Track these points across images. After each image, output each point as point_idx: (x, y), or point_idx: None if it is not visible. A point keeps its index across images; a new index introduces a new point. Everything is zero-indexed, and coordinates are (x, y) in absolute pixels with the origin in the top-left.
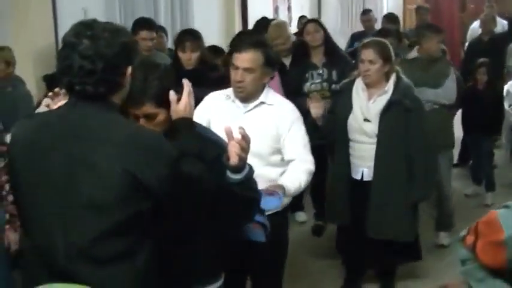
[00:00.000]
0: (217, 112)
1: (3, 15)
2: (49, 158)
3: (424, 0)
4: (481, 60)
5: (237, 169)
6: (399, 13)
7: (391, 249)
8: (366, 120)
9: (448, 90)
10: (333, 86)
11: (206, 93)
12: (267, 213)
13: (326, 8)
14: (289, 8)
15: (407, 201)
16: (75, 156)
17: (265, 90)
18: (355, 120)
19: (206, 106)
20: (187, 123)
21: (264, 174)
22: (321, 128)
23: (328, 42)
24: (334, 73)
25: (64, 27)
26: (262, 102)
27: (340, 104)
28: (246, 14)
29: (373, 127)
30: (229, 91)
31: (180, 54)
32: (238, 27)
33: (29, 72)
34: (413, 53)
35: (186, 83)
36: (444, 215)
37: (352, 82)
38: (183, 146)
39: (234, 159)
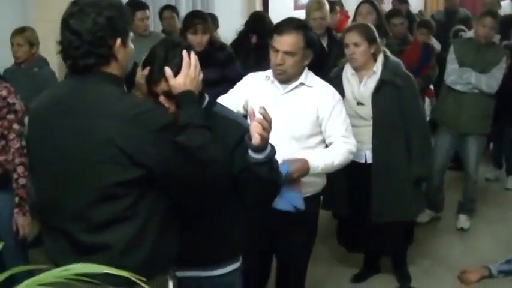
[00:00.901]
0: (256, 92)
1: (25, 2)
2: (46, 128)
3: None
4: (505, 42)
5: (259, 149)
6: None
7: (393, 232)
8: (359, 104)
9: (491, 79)
10: None
11: (215, 73)
12: None
13: None
14: None
15: (407, 180)
16: (65, 127)
17: (305, 71)
18: (348, 106)
19: (245, 85)
20: (188, 95)
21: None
22: None
23: (379, 27)
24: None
25: None
26: (301, 84)
27: None
28: (267, 3)
29: (367, 110)
30: (268, 72)
31: (191, 37)
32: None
33: (51, 52)
34: (470, 33)
35: (185, 54)
36: (467, 199)
37: (341, 70)
38: (186, 119)
39: (256, 139)
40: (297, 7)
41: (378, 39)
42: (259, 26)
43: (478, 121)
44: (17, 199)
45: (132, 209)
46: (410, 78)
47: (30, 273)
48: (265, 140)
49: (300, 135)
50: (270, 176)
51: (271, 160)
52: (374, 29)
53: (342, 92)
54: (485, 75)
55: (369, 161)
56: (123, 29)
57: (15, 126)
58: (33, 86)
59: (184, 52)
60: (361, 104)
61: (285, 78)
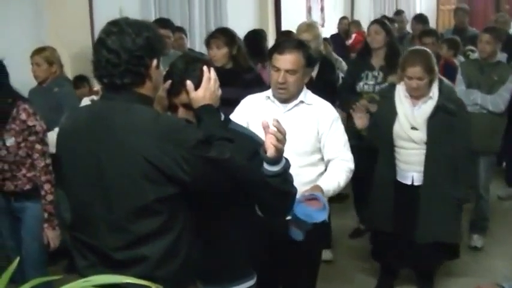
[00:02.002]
0: (257, 113)
1: (41, 15)
2: (83, 144)
3: (458, 1)
4: None
5: (275, 161)
6: (432, 14)
7: (433, 249)
8: (412, 128)
9: (497, 99)
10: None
11: (240, 94)
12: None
13: (359, 9)
14: (322, 9)
15: (453, 202)
16: (102, 143)
17: (304, 90)
18: (401, 129)
19: (244, 108)
20: (208, 108)
21: (304, 174)
22: (366, 138)
23: (390, 46)
24: (389, 79)
25: (100, 27)
26: (301, 102)
27: (383, 112)
28: (280, 14)
29: (420, 135)
30: (268, 92)
31: (208, 52)
32: (271, 28)
33: (67, 71)
34: (476, 54)
35: (205, 69)
36: (479, 218)
37: (393, 88)
38: (207, 131)
39: (271, 151)
40: None
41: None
42: (257, 49)
43: (487, 140)
44: (46, 215)
45: (168, 223)
46: (463, 104)
47: (47, 286)
48: (280, 152)
49: (302, 151)
50: (285, 187)
51: (286, 172)
52: (433, 57)
53: (393, 111)
54: (491, 95)
55: (416, 183)
56: (159, 50)
57: (38, 146)
58: (53, 105)
59: (205, 67)
60: (415, 128)
61: (287, 96)
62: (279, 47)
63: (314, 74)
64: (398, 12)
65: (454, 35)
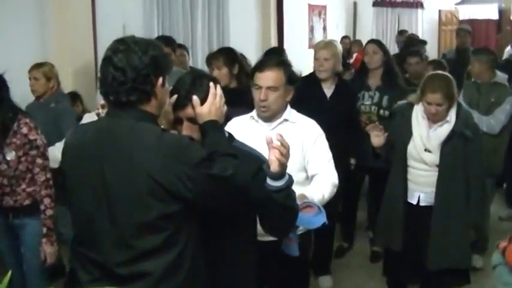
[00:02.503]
0: (242, 134)
1: (45, 32)
2: (89, 160)
3: (460, 22)
4: None
5: (278, 176)
6: (434, 34)
7: (444, 273)
8: (426, 150)
9: (492, 120)
10: (381, 111)
11: (244, 113)
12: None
13: (361, 29)
14: (324, 28)
15: (465, 227)
16: (108, 160)
17: (288, 108)
18: (415, 149)
19: (230, 130)
20: (213, 124)
21: None
22: (382, 157)
23: (387, 66)
24: (385, 98)
25: (103, 44)
26: (285, 120)
27: (399, 131)
28: (282, 33)
29: (433, 157)
30: (252, 112)
31: (210, 72)
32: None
33: (69, 86)
34: None
35: (212, 86)
36: (480, 238)
37: (410, 107)
38: (212, 146)
39: (274, 165)
40: (311, 45)
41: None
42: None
43: (487, 161)
44: (44, 229)
45: (172, 238)
46: (479, 130)
47: None
48: (283, 167)
49: (288, 170)
50: (288, 203)
51: (289, 187)
52: (454, 83)
53: (408, 131)
54: (487, 116)
55: (422, 203)
56: (165, 69)
57: (39, 160)
58: (50, 121)
59: (211, 83)
60: (428, 150)
61: (269, 114)
62: (259, 66)
63: (328, 94)
64: (402, 32)
65: (456, 56)
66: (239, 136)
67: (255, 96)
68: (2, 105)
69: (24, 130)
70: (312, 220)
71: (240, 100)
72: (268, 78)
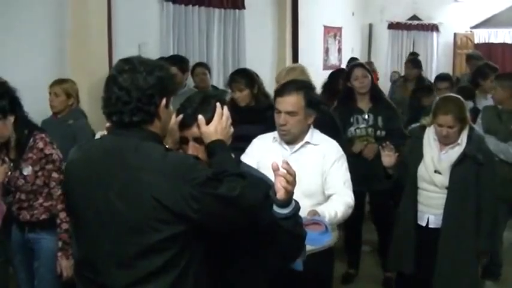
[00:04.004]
0: (266, 154)
1: (61, 49)
2: (92, 180)
3: (475, 46)
4: None
5: (284, 203)
6: (449, 57)
7: None
8: (436, 171)
9: (510, 148)
10: (378, 132)
11: (263, 131)
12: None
13: (376, 51)
14: (339, 50)
15: (474, 253)
16: (111, 180)
17: (310, 130)
18: (425, 170)
19: (255, 148)
20: (220, 144)
21: None
22: (393, 177)
23: (374, 88)
24: (379, 119)
25: None
26: (307, 142)
27: (410, 152)
28: (297, 54)
29: (443, 179)
30: (275, 133)
31: (232, 94)
32: None
33: (83, 104)
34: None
35: (218, 106)
36: (493, 264)
37: (423, 129)
38: (219, 166)
39: (280, 193)
40: (326, 67)
41: None
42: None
43: (502, 187)
44: (60, 243)
45: (175, 258)
46: (492, 155)
47: None
48: (290, 194)
49: (311, 192)
50: (296, 230)
51: (296, 214)
52: (466, 105)
53: (420, 153)
54: (505, 143)
55: (431, 225)
56: (171, 90)
57: (55, 174)
58: (67, 137)
59: (218, 103)
60: (439, 172)
61: (290, 138)
62: (280, 90)
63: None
64: (413, 55)
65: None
66: (262, 155)
67: (276, 120)
68: (17, 123)
69: (40, 145)
70: (317, 238)
71: (259, 118)
72: (287, 103)
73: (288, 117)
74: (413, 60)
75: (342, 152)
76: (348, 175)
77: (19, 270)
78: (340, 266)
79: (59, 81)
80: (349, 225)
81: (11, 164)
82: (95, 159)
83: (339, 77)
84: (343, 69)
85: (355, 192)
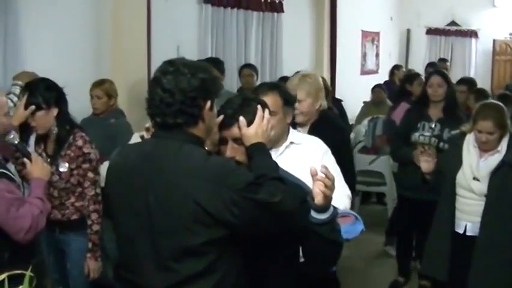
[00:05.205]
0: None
1: (101, 50)
2: (132, 183)
3: None
4: None
5: (323, 209)
6: (488, 64)
7: None
8: (475, 179)
9: None
10: (441, 144)
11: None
12: None
13: (414, 56)
14: (377, 55)
15: (509, 265)
16: (152, 183)
17: (291, 130)
18: (464, 177)
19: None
20: (260, 147)
21: None
22: (430, 182)
23: (449, 98)
24: (446, 131)
25: (157, 64)
26: (291, 143)
27: (449, 159)
28: (335, 58)
29: (481, 186)
30: None
31: None
32: (326, 73)
33: (124, 105)
34: None
35: (259, 108)
36: None
37: (463, 136)
38: (259, 170)
39: (319, 198)
40: (363, 72)
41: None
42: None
43: None
44: (90, 244)
45: (214, 264)
46: None
47: None
48: (328, 199)
49: None
50: (332, 236)
51: (333, 220)
52: (506, 112)
53: (459, 159)
54: None
55: (469, 233)
56: (214, 92)
57: (90, 174)
58: (109, 136)
59: (259, 106)
60: (477, 179)
61: (274, 139)
62: (254, 93)
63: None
64: (441, 60)
65: None
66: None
67: None
68: (60, 118)
69: (80, 143)
70: (350, 229)
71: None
72: None
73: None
74: (431, 64)
75: (326, 147)
76: (337, 166)
77: (52, 270)
78: (389, 272)
79: (99, 83)
80: (404, 233)
81: (48, 160)
82: (136, 162)
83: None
84: (417, 74)
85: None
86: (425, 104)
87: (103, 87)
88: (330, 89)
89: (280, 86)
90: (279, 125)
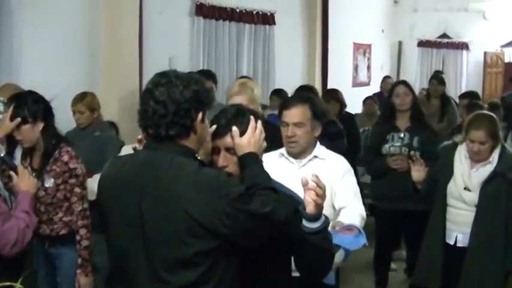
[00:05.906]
0: (272, 172)
1: (93, 62)
2: (126, 194)
3: (505, 65)
4: None
5: (314, 217)
6: (479, 76)
7: None
8: (466, 189)
9: None
10: (412, 152)
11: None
12: None
13: (405, 68)
14: (368, 67)
15: (502, 273)
16: (145, 194)
17: (317, 145)
18: (455, 187)
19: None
20: (252, 156)
21: None
22: (421, 192)
23: (414, 107)
24: (415, 139)
25: (149, 76)
26: (315, 156)
27: (441, 169)
28: (326, 70)
29: (472, 196)
30: (282, 149)
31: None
32: (318, 85)
33: (116, 116)
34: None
35: (252, 119)
36: None
37: (454, 146)
38: (251, 179)
39: (310, 207)
40: (355, 84)
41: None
42: None
43: None
44: (79, 260)
45: (207, 274)
46: None
47: None
48: (319, 208)
49: None
50: (325, 244)
51: (325, 229)
52: (499, 122)
53: (451, 169)
54: None
55: (459, 244)
56: (206, 104)
57: (77, 189)
58: (95, 149)
59: (252, 117)
60: (468, 189)
61: (298, 150)
62: (285, 103)
63: None
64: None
65: None
66: (268, 171)
67: (283, 133)
68: (46, 132)
69: (65, 158)
70: (353, 241)
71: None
72: (293, 114)
73: (295, 129)
74: (439, 78)
75: (349, 166)
76: (357, 187)
77: (43, 282)
78: (368, 286)
79: (80, 98)
80: (379, 243)
81: (33, 174)
82: (129, 174)
83: None
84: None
85: (386, 209)
86: (392, 116)
87: (84, 102)
88: (344, 103)
89: (312, 99)
90: (305, 137)
